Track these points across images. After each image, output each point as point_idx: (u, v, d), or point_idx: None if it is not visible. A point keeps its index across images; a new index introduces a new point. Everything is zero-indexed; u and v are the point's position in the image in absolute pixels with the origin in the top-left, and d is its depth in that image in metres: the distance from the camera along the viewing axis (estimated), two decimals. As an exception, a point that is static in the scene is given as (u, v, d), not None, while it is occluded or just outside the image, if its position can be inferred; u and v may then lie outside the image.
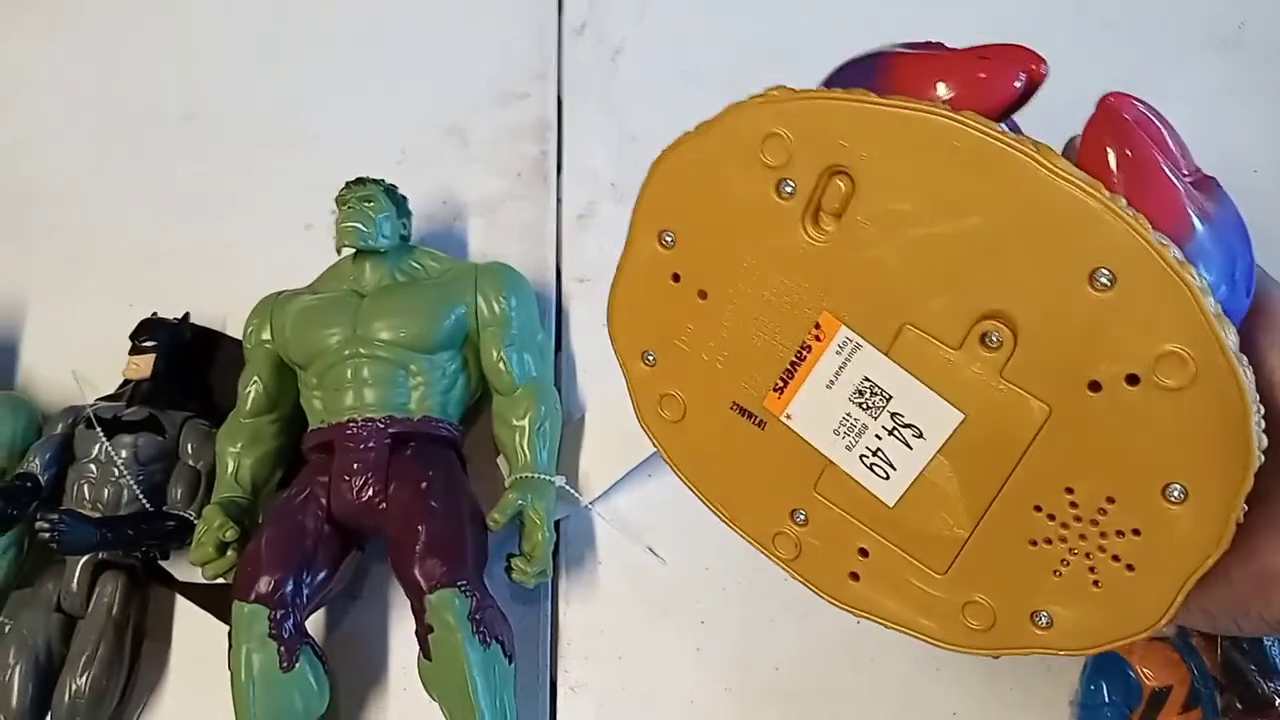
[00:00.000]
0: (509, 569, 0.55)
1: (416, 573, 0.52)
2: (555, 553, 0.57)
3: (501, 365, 0.58)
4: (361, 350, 0.57)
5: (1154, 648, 0.49)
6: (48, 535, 0.54)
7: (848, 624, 0.53)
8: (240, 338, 0.63)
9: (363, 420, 0.56)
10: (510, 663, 0.52)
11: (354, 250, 0.60)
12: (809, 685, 0.55)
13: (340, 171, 0.62)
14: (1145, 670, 0.48)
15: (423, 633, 0.52)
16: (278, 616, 0.52)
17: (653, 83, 0.71)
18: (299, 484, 0.57)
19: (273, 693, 0.52)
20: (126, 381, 0.62)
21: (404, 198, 0.62)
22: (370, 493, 0.55)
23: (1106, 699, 0.49)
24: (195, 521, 0.58)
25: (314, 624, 0.56)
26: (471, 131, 0.70)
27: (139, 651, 0.59)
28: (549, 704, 0.56)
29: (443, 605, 0.51)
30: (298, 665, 0.52)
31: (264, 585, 0.53)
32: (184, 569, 0.60)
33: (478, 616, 0.52)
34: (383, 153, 0.65)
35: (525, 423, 0.58)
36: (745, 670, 0.56)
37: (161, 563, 0.60)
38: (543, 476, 0.56)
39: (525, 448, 0.57)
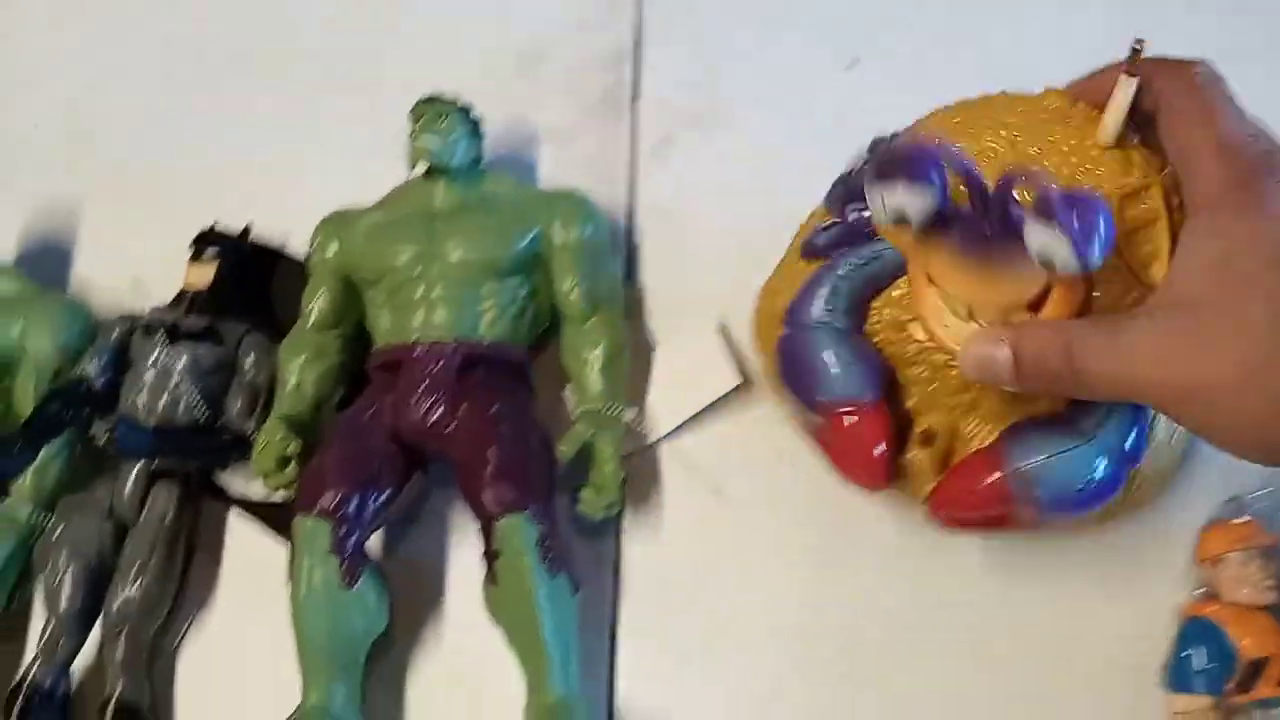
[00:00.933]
0: (576, 501, 0.54)
1: (485, 497, 0.51)
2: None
3: (574, 295, 0.57)
4: (433, 269, 0.56)
5: (1253, 616, 0.47)
6: (105, 440, 0.53)
7: (922, 573, 0.54)
8: (300, 259, 0.61)
9: (431, 342, 0.55)
10: (575, 595, 0.51)
11: (425, 171, 0.58)
12: (881, 633, 0.54)
13: (409, 94, 0.60)
14: (1242, 639, 0.47)
15: (490, 557, 0.51)
16: (341, 533, 0.51)
17: (734, 12, 0.69)
18: (365, 401, 0.56)
19: (333, 609, 0.51)
20: (184, 292, 0.61)
21: (478, 120, 0.60)
22: (437, 415, 0.54)
23: (1200, 666, 0.47)
24: (252, 437, 0.57)
25: (371, 547, 0.55)
26: (546, 59, 0.69)
27: (190, 564, 0.58)
28: (609, 644, 0.55)
29: (512, 531, 0.50)
30: (360, 583, 0.51)
31: (328, 500, 0.51)
32: (238, 483, 0.59)
33: (547, 544, 0.50)
34: (454, 77, 0.63)
35: (596, 354, 0.56)
36: (815, 616, 0.54)
37: (217, 475, 0.59)
38: (612, 409, 0.55)
39: (595, 379, 0.56)
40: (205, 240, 0.61)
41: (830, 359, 0.47)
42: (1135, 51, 0.38)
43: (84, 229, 0.68)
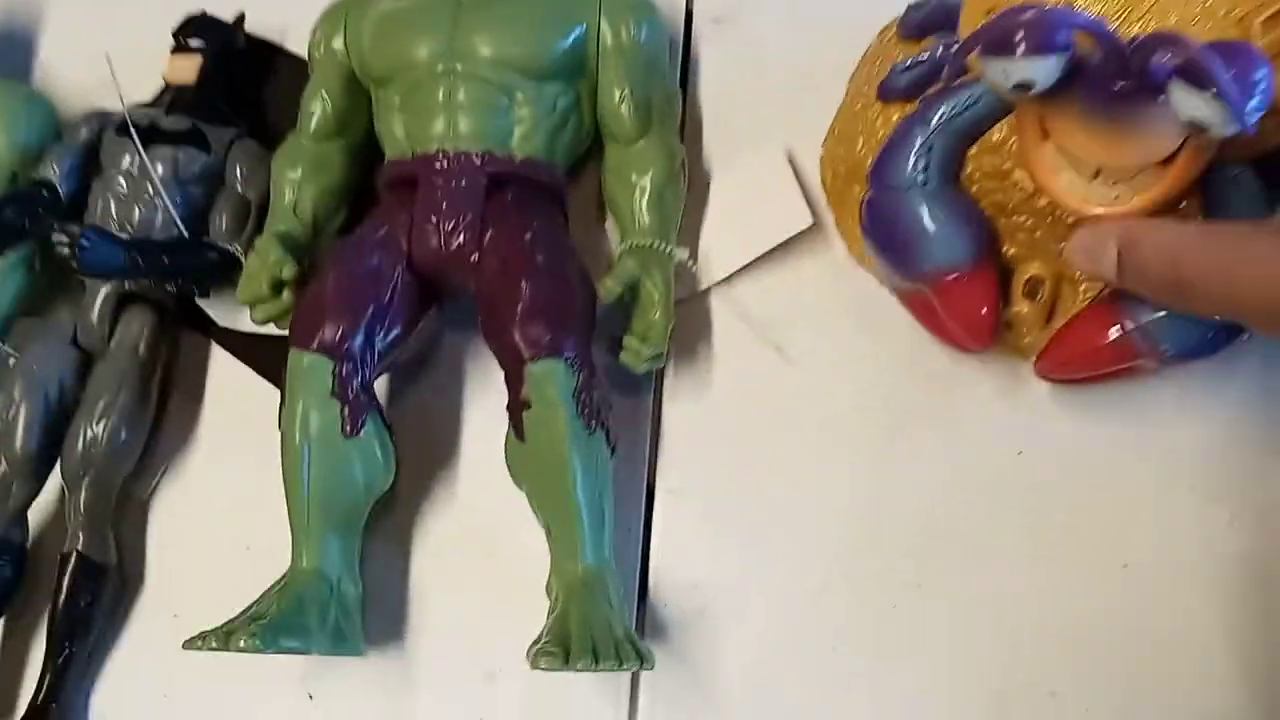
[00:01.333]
0: (619, 348, 0.46)
1: (516, 336, 0.43)
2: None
3: (624, 108, 0.48)
4: (458, 67, 0.47)
5: None
6: (67, 252, 0.45)
7: (993, 454, 0.47)
8: (302, 54, 0.52)
9: (455, 153, 0.46)
10: (613, 455, 0.44)
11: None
12: (945, 516, 0.46)
13: None
14: None
15: (517, 408, 0.43)
16: (344, 372, 0.44)
17: None
18: (374, 222, 0.47)
19: (332, 459, 0.43)
20: (166, 88, 0.52)
21: None
22: (462, 239, 0.46)
23: None
24: (241, 256, 0.49)
25: (376, 392, 0.47)
26: None
27: (165, 405, 0.51)
28: (644, 507, 0.48)
29: (545, 377, 0.43)
30: (363, 431, 0.44)
31: (329, 333, 0.44)
32: (222, 313, 0.51)
33: (584, 396, 0.43)
34: None
35: (647, 181, 0.48)
36: (875, 494, 0.47)
37: (199, 301, 0.51)
38: (663, 246, 0.47)
39: (645, 209, 0.48)
40: (190, 29, 0.53)
41: (929, 224, 0.42)
42: None
43: (49, 10, 0.59)
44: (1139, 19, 0.37)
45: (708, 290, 0.50)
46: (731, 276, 0.50)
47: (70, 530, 0.47)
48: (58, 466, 0.48)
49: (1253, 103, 0.32)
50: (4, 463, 0.47)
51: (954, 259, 0.42)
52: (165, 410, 0.51)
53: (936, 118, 0.42)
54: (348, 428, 0.43)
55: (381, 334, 0.45)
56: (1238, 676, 0.43)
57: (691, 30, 0.54)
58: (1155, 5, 0.37)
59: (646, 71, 0.49)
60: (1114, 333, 0.41)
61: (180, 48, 0.52)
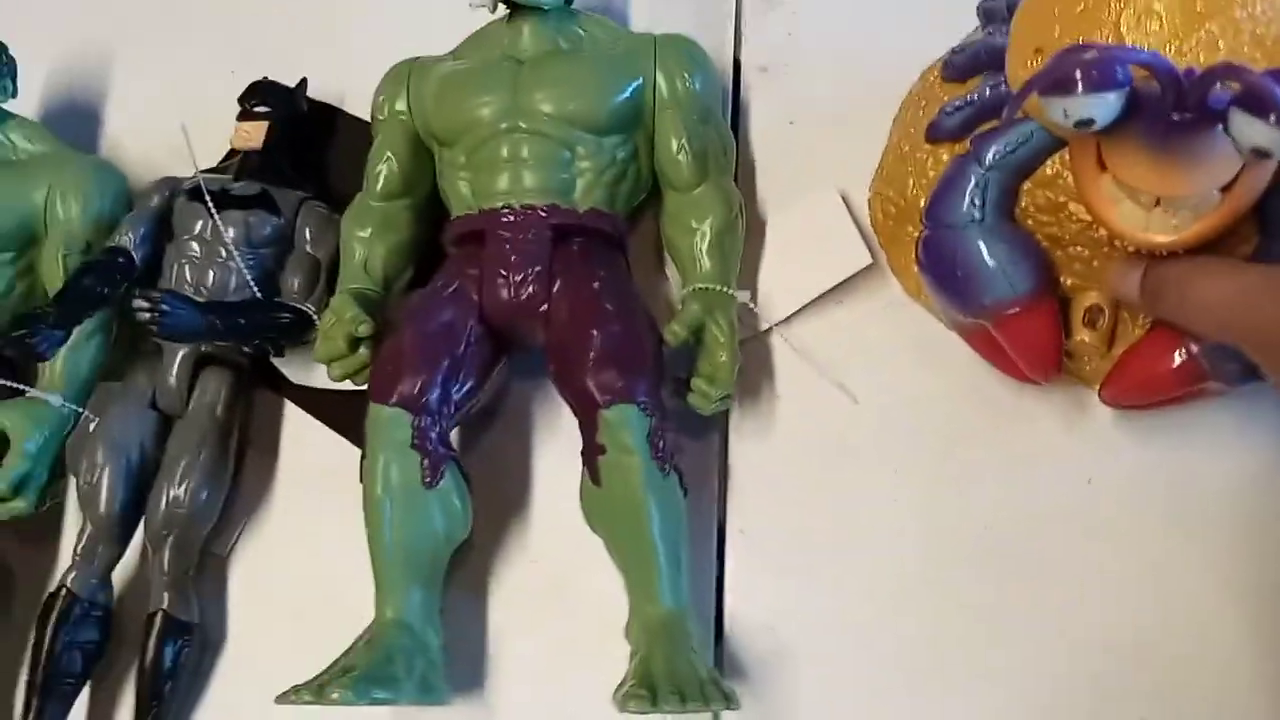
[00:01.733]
0: (686, 391, 0.47)
1: (590, 383, 0.44)
2: (732, 379, 0.48)
3: (683, 156, 0.49)
4: (521, 124, 0.48)
5: None
6: (147, 317, 0.46)
7: (1061, 484, 0.47)
8: (361, 116, 0.54)
9: (521, 207, 0.48)
10: (685, 497, 0.45)
11: (508, 12, 0.51)
12: (1015, 549, 0.47)
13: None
14: None
15: (592, 453, 0.44)
16: (423, 424, 0.45)
17: None
18: (444, 278, 0.49)
19: (413, 509, 0.44)
20: (232, 154, 0.54)
21: None
22: (531, 290, 0.47)
23: None
24: (314, 316, 0.50)
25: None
26: None
27: (243, 462, 0.52)
28: (716, 547, 0.49)
29: (620, 423, 0.43)
30: (442, 481, 0.45)
31: (408, 387, 0.45)
32: (295, 371, 0.52)
33: (657, 440, 0.44)
34: None
35: (707, 226, 0.49)
36: (942, 527, 0.47)
37: (274, 361, 0.52)
38: (726, 289, 0.48)
39: (706, 254, 0.49)
40: (256, 95, 0.54)
41: (987, 259, 0.42)
42: None
43: (116, 82, 0.61)
44: (1190, 50, 0.38)
45: (769, 331, 0.51)
46: (792, 317, 0.51)
47: (154, 590, 0.48)
48: (140, 528, 0.49)
49: None
50: (89, 525, 0.49)
51: (1014, 293, 0.42)
52: (242, 468, 0.52)
53: (990, 155, 0.42)
54: (428, 478, 0.44)
55: (457, 386, 0.46)
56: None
57: (740, 78, 0.56)
58: (1205, 36, 0.38)
59: (702, 120, 0.50)
60: (1178, 357, 0.41)
61: (246, 114, 0.54)
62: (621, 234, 0.50)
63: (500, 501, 0.50)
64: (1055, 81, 0.35)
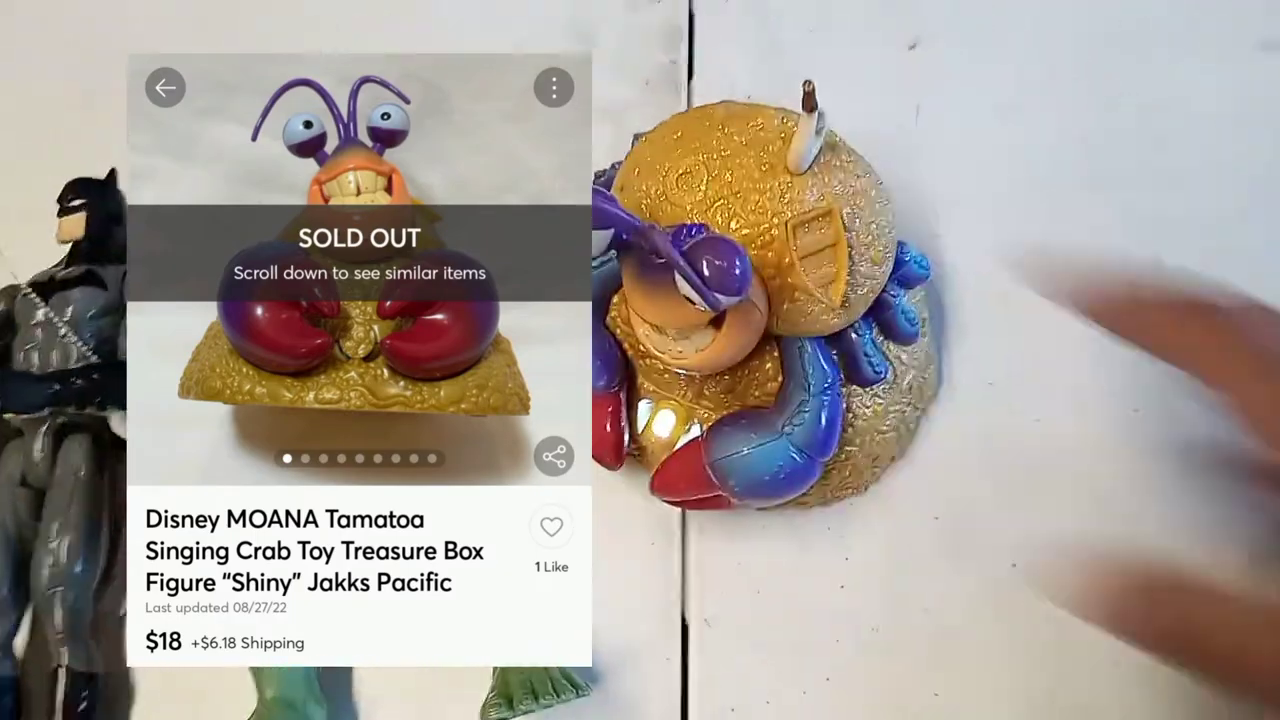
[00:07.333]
0: None
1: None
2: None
3: None
4: None
5: None
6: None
7: (1001, 567, 0.52)
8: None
9: None
10: None
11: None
12: (960, 628, 0.52)
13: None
14: None
15: None
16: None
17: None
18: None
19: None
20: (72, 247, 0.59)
21: None
22: None
23: None
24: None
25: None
26: (598, 36, 0.66)
27: (122, 525, 0.55)
28: (680, 639, 0.53)
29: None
30: None
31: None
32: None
33: None
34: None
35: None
36: (893, 608, 0.53)
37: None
38: None
39: None
40: (70, 192, 0.59)
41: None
42: (808, 94, 0.42)
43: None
44: (722, 209, 0.45)
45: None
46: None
47: (53, 648, 0.51)
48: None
49: (727, 286, 0.39)
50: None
51: (595, 383, 0.50)
52: (122, 531, 0.55)
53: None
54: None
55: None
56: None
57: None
58: (735, 199, 0.45)
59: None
60: (698, 465, 0.48)
61: (65, 210, 0.58)
62: None
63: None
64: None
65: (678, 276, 0.39)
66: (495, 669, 0.48)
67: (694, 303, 0.40)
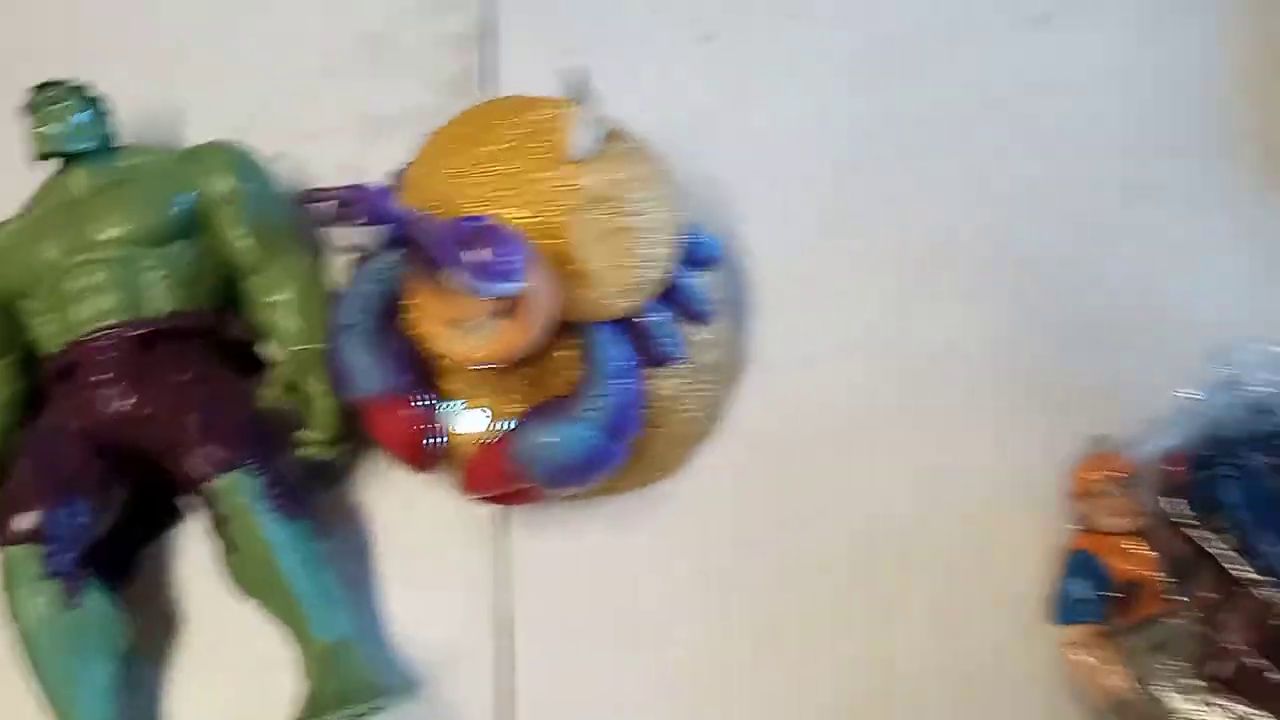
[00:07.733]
0: (300, 449, 0.51)
1: (194, 462, 0.48)
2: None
3: (240, 244, 0.54)
4: (89, 255, 0.52)
5: (1126, 542, 0.47)
6: None
7: (817, 541, 0.52)
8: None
9: (105, 328, 0.51)
10: (320, 541, 0.49)
11: (61, 163, 0.55)
12: (782, 603, 0.52)
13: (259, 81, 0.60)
14: (1117, 565, 0.47)
15: (217, 525, 0.48)
16: (50, 552, 0.47)
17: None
18: (49, 414, 0.52)
19: (64, 634, 0.47)
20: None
21: (96, 97, 0.56)
22: (127, 402, 0.50)
23: (1081, 596, 0.47)
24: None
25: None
26: (396, 41, 0.64)
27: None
28: (508, 637, 0.52)
29: (231, 488, 0.47)
30: (86, 600, 0.47)
31: (25, 522, 0.47)
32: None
33: (275, 493, 0.47)
34: (299, 62, 0.61)
35: (284, 296, 0.53)
36: (713, 587, 0.52)
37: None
38: (314, 346, 0.52)
39: (289, 319, 0.53)
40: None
41: (358, 359, 0.48)
42: (574, 84, 0.44)
43: None
44: (505, 200, 0.46)
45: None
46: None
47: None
48: None
49: (509, 273, 0.40)
50: None
51: (375, 388, 0.47)
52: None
53: (373, 270, 0.48)
54: (69, 601, 0.47)
55: (78, 511, 0.48)
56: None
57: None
58: (517, 190, 0.46)
59: (257, 207, 0.54)
60: (501, 459, 0.47)
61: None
62: (211, 325, 0.53)
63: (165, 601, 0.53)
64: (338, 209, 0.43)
65: (453, 267, 0.40)
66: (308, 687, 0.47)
67: (474, 292, 0.40)
